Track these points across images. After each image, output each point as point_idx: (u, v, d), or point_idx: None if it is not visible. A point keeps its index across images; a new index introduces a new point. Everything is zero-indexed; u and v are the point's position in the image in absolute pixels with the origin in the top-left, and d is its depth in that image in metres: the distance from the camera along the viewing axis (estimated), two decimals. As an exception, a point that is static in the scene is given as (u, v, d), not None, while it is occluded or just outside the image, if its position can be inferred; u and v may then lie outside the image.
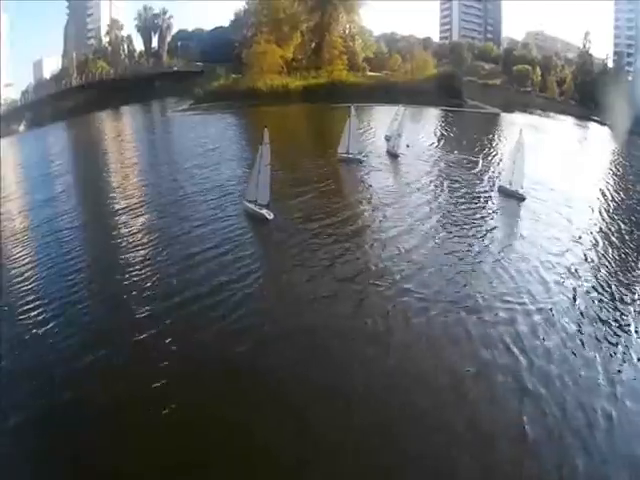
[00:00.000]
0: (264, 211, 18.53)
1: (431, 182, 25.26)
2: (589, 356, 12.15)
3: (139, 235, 18.94)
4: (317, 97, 47.65)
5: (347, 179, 26.18)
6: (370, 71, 54.88)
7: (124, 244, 18.26)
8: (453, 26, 58.24)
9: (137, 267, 16.31)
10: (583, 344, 12.58)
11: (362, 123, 39.39)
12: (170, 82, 60.79)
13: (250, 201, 19.37)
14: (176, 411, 9.87)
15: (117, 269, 16.20)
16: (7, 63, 62.17)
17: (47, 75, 69.95)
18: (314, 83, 51.18)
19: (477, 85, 52.63)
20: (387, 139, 31.45)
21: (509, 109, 49.65)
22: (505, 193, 22.93)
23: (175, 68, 63.20)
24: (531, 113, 50.77)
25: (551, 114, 51.62)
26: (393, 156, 29.08)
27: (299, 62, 53.81)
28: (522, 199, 22.27)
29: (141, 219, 20.69)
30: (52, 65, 71.38)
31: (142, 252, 17.51)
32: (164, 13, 69.86)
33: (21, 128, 53.78)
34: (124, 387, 10.46)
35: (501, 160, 30.27)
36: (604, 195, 25.65)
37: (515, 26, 59.59)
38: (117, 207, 22.31)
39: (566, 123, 50.53)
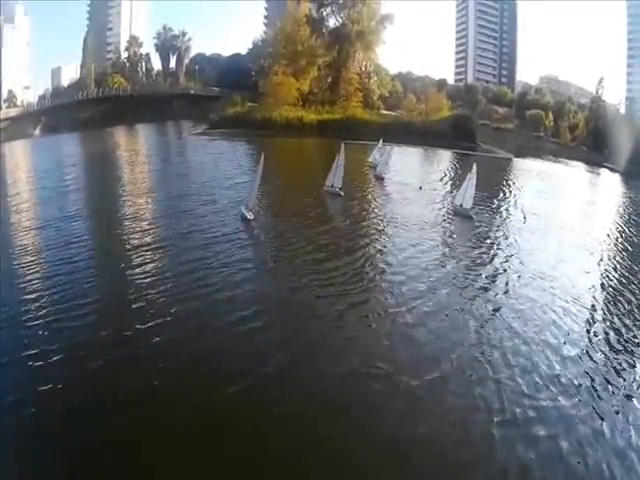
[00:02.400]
0: (249, 213, 22.28)
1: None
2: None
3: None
4: (331, 132, 47.17)
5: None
6: (385, 109, 55.85)
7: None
8: (468, 68, 59.03)
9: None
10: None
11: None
12: (186, 104, 61.55)
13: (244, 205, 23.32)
14: None
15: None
16: (26, 66, 63.27)
17: (65, 83, 71.10)
18: (328, 118, 51.50)
19: (490, 129, 53.06)
20: (374, 166, 34.71)
21: (521, 154, 49.63)
22: (458, 212, 25.85)
23: (192, 91, 64.06)
24: (543, 159, 50.78)
25: (562, 160, 51.71)
26: (380, 179, 32.49)
27: (315, 96, 54.63)
28: (471, 218, 25.23)
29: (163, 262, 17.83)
30: (70, 73, 72.53)
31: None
32: (183, 35, 71.30)
33: (36, 132, 54.48)
34: None
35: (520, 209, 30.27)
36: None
37: (529, 70, 60.43)
38: (133, 244, 19.30)
39: (577, 170, 50.50)
